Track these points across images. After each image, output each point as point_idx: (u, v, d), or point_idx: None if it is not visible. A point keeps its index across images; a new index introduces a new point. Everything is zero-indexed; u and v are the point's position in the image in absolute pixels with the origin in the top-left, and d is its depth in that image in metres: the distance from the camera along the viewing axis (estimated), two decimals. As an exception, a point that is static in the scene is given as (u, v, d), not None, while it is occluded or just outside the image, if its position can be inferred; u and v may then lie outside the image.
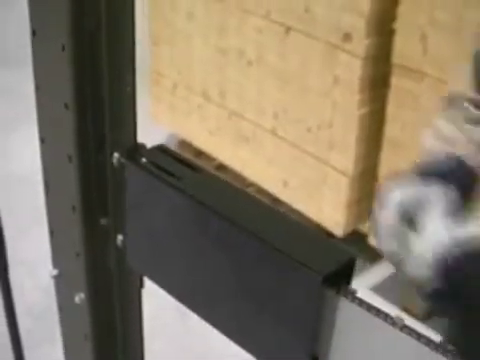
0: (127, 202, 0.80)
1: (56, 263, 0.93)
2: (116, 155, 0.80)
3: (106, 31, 0.75)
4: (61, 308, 0.96)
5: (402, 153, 2.18)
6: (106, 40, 0.75)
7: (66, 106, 0.77)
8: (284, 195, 2.65)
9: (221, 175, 2.93)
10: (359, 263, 1.10)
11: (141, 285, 0.93)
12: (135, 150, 0.79)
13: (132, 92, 0.79)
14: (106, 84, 0.78)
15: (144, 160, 0.77)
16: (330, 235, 2.52)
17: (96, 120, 0.80)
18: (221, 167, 2.97)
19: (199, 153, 3.08)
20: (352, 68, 2.26)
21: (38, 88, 0.82)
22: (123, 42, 0.77)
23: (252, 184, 2.81)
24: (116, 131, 0.81)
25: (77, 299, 0.89)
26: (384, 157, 2.32)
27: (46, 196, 0.89)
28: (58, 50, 0.75)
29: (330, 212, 2.48)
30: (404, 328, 0.58)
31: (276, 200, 2.68)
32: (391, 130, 2.27)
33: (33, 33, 0.78)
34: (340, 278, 0.63)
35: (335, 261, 0.63)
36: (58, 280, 0.94)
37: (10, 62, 3.34)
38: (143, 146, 0.81)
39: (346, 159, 2.38)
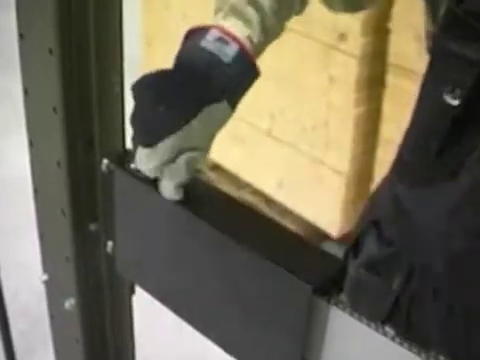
0: (116, 208, 0.79)
1: (46, 268, 0.92)
2: (105, 161, 0.79)
3: (94, 35, 0.74)
4: (52, 313, 0.95)
5: (398, 153, 2.17)
6: (94, 44, 0.75)
7: (54, 109, 0.77)
8: (279, 196, 2.64)
9: (216, 176, 2.91)
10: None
11: (132, 291, 0.92)
12: (124, 156, 0.78)
13: (121, 95, 0.78)
14: (94, 87, 0.77)
15: (133, 166, 0.76)
16: (326, 236, 2.51)
17: (85, 123, 0.79)
18: (216, 167, 2.96)
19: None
20: (348, 68, 2.25)
21: (26, 92, 0.81)
22: (111, 45, 0.76)
23: (247, 185, 2.80)
24: (105, 135, 0.80)
25: (67, 304, 0.89)
26: (380, 157, 2.31)
27: (35, 200, 0.88)
28: (46, 54, 0.74)
29: (326, 213, 2.47)
30: (395, 338, 0.57)
31: (271, 201, 2.67)
32: (387, 130, 2.25)
33: (20, 36, 0.77)
34: (331, 287, 0.62)
35: (326, 270, 0.62)
36: (49, 285, 0.93)
37: (5, 66, 3.33)
38: (132, 152, 0.80)
39: (342, 159, 2.37)
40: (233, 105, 0.77)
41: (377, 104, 2.28)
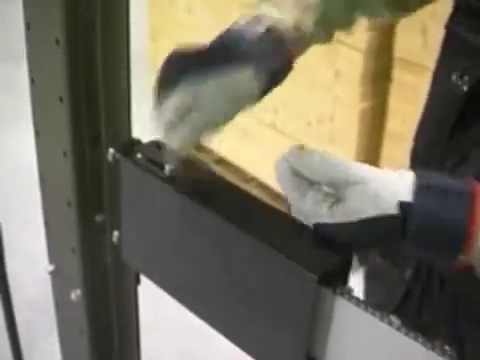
0: (123, 198, 0.79)
1: (52, 259, 0.92)
2: (111, 151, 0.79)
3: (101, 25, 0.74)
4: (57, 304, 0.96)
5: (403, 147, 2.17)
6: (101, 34, 0.74)
7: (61, 99, 0.77)
8: (285, 189, 2.64)
9: (221, 169, 2.92)
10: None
11: (137, 281, 0.92)
12: (130, 145, 0.78)
13: (127, 86, 0.78)
14: (101, 78, 0.77)
15: (139, 156, 0.76)
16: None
17: (91, 114, 0.79)
18: (221, 161, 2.96)
19: (199, 147, 3.07)
20: (353, 62, 2.24)
21: (33, 82, 0.81)
22: (118, 36, 0.76)
23: (252, 178, 2.80)
24: (111, 126, 0.80)
25: (73, 296, 0.89)
26: (385, 151, 2.31)
27: (41, 191, 0.88)
28: (52, 44, 0.73)
29: (331, 206, 2.47)
30: (401, 328, 0.57)
31: (277, 195, 2.67)
32: (392, 124, 2.25)
33: (27, 26, 0.77)
34: (337, 277, 0.62)
35: (331, 260, 0.62)
36: (54, 276, 0.93)
37: (14, 57, 3.34)
38: (138, 141, 0.80)
39: (347, 153, 2.37)
40: (264, 75, 0.75)
41: (383, 98, 2.28)
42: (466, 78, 0.81)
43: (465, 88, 0.82)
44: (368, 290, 1.09)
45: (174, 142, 0.72)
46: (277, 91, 2.81)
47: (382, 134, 2.31)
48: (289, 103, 2.49)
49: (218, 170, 2.92)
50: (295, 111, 2.49)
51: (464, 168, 0.70)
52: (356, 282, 0.94)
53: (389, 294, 1.00)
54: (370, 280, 1.08)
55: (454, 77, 0.83)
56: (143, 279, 0.89)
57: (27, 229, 2.42)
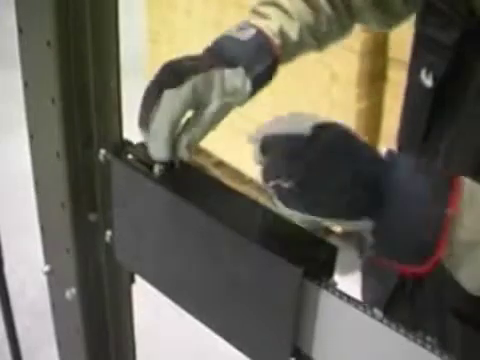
0: (114, 198, 0.81)
1: (47, 259, 0.94)
2: (102, 151, 0.80)
3: (90, 27, 0.75)
4: (53, 304, 0.97)
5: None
6: (91, 36, 0.76)
7: (53, 101, 0.78)
8: (283, 191, 2.64)
9: (220, 172, 2.91)
10: (357, 259, 1.11)
11: (132, 280, 0.93)
12: (121, 146, 0.80)
13: (117, 87, 0.80)
14: (92, 79, 0.78)
15: (130, 156, 0.77)
16: (329, 231, 2.52)
17: (83, 115, 0.80)
18: (220, 164, 2.97)
19: (197, 150, 3.09)
20: (349, 63, 2.26)
21: (26, 84, 0.82)
22: (108, 38, 0.77)
23: (251, 180, 2.81)
24: (102, 127, 0.81)
25: (68, 295, 0.90)
26: (383, 151, 2.32)
27: (36, 192, 0.89)
28: (44, 46, 0.75)
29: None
30: (383, 320, 0.58)
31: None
32: (389, 124, 2.26)
33: (20, 30, 0.78)
34: (322, 271, 0.63)
35: (316, 254, 0.63)
36: (50, 276, 0.95)
37: (15, 64, 3.36)
38: (129, 142, 0.81)
39: (344, 154, 2.38)
40: (252, 76, 0.81)
41: (379, 98, 2.29)
42: (432, 74, 0.83)
43: (430, 84, 0.83)
44: (365, 285, 1.10)
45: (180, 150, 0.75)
46: (274, 93, 2.85)
47: (378, 134, 2.32)
48: (286, 105, 2.51)
49: (217, 173, 2.93)
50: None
51: (436, 166, 0.71)
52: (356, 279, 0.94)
53: (381, 287, 1.01)
54: (366, 275, 1.09)
55: (422, 73, 0.85)
56: (141, 280, 0.90)
57: (26, 234, 2.44)
